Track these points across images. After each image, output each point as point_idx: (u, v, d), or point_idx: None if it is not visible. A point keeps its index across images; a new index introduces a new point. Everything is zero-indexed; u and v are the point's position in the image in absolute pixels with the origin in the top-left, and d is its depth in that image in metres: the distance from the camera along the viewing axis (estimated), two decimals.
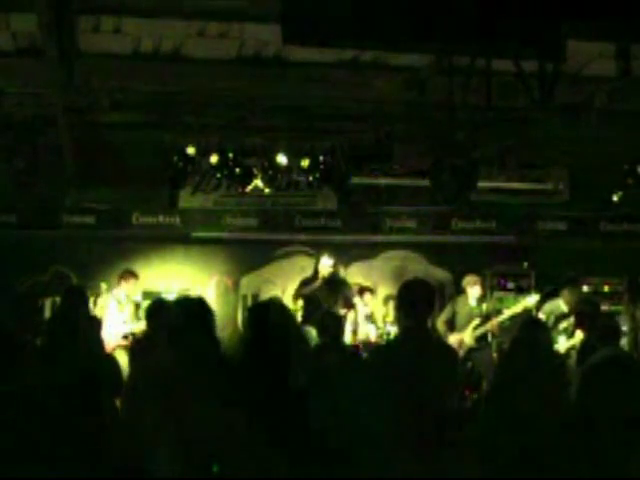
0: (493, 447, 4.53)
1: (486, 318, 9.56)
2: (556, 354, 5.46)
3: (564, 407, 4.63)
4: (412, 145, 10.05)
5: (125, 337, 9.47)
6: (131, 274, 9.74)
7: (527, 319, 8.31)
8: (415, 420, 4.30)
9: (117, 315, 9.55)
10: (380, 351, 5.44)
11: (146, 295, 10.46)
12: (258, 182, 9.53)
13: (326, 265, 9.32)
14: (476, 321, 9.47)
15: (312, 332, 7.30)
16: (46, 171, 8.51)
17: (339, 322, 6.58)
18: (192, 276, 11.56)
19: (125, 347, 9.33)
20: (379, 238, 12.04)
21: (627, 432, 4.53)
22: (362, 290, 10.63)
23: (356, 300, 10.00)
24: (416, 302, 4.49)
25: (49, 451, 4.41)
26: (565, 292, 9.29)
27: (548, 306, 9.56)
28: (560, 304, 9.24)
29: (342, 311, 9.05)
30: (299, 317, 9.13)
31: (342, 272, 9.77)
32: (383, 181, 11.44)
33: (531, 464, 4.37)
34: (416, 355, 4.38)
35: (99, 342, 6.42)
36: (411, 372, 4.33)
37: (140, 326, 9.46)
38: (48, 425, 4.47)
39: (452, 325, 9.67)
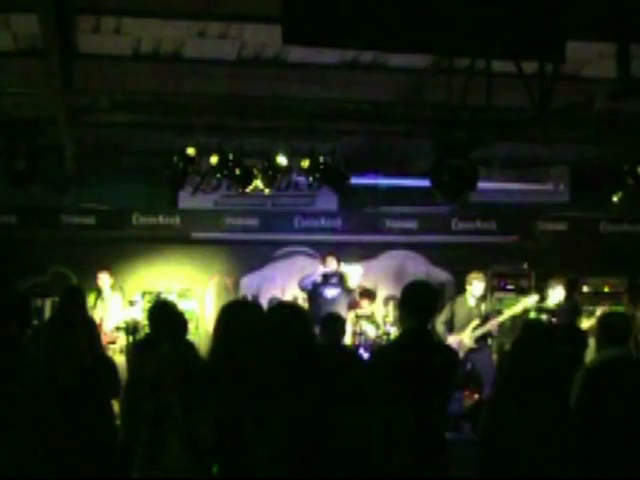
0: (495, 448, 4.53)
1: (485, 319, 9.56)
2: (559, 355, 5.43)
3: (567, 408, 4.63)
4: (412, 145, 10.04)
5: (117, 328, 9.54)
6: (100, 269, 9.91)
7: (528, 320, 8.34)
8: (415, 421, 4.30)
9: (105, 311, 9.65)
10: (381, 352, 5.44)
11: (146, 295, 10.51)
12: (258, 182, 9.52)
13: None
14: (475, 322, 9.46)
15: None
16: (46, 172, 8.49)
17: (341, 323, 6.58)
18: (192, 276, 11.57)
19: (115, 340, 9.45)
20: (379, 238, 12.04)
21: (629, 432, 4.54)
22: (361, 294, 10.61)
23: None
24: (418, 304, 4.50)
25: (49, 451, 4.41)
26: (552, 282, 9.42)
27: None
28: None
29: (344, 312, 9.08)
30: None
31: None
32: (383, 181, 11.44)
33: (533, 465, 4.37)
34: (416, 356, 4.39)
35: (98, 342, 6.42)
36: (411, 373, 4.33)
37: (129, 315, 9.57)
38: (48, 425, 4.46)
39: (451, 326, 9.67)
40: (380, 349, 6.92)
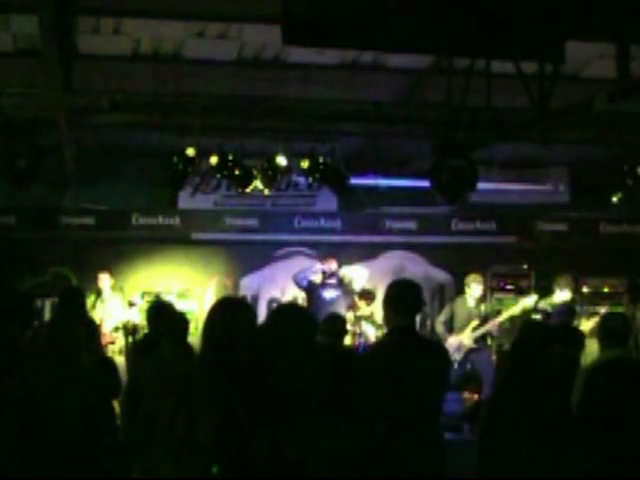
0: (494, 449, 4.53)
1: (485, 319, 9.56)
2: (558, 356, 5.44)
3: (565, 408, 4.63)
4: (412, 146, 10.04)
5: (116, 329, 9.54)
6: (101, 269, 9.88)
7: (528, 320, 8.34)
8: (406, 421, 4.31)
9: (105, 312, 9.64)
10: (370, 351, 5.42)
11: (146, 296, 10.49)
12: (258, 183, 9.51)
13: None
14: (475, 322, 9.46)
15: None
16: (46, 172, 8.49)
17: (341, 323, 6.57)
18: (192, 277, 11.56)
19: (114, 340, 9.44)
20: (379, 239, 12.04)
21: (630, 432, 4.54)
22: (360, 297, 10.59)
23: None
24: (404, 302, 4.50)
25: (49, 451, 4.41)
26: (560, 281, 9.45)
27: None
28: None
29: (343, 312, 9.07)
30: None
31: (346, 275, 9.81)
32: (383, 182, 11.44)
33: (532, 465, 4.38)
34: (406, 353, 4.39)
35: (98, 343, 6.43)
36: (400, 370, 4.33)
37: (128, 316, 9.56)
38: (48, 425, 4.46)
39: (450, 326, 9.67)
40: (368, 350, 6.92)
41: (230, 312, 3.67)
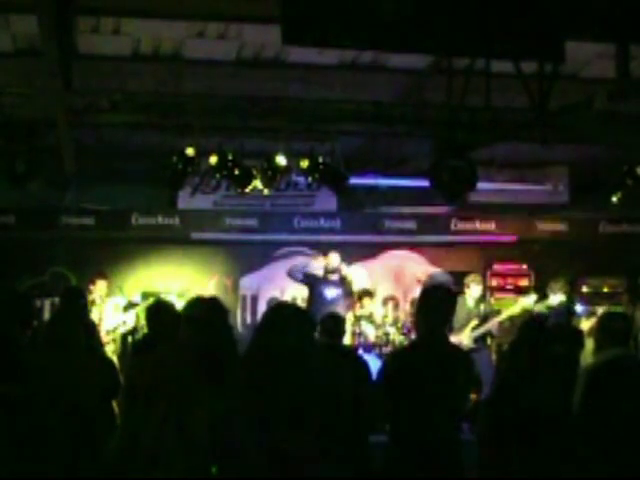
0: (493, 448, 4.54)
1: (484, 319, 9.57)
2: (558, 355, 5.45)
3: (565, 408, 4.63)
4: (412, 145, 10.04)
5: (107, 332, 9.52)
6: (98, 275, 9.82)
7: (527, 320, 8.34)
8: (430, 424, 4.34)
9: (101, 314, 9.61)
10: (397, 356, 5.43)
11: (145, 296, 10.49)
12: (257, 183, 9.51)
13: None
14: (474, 322, 9.47)
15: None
16: (45, 172, 8.49)
17: (341, 323, 6.57)
18: (191, 277, 11.57)
19: (108, 342, 9.43)
20: (378, 239, 12.05)
21: (632, 432, 4.54)
22: (360, 295, 10.60)
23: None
24: (435, 308, 4.52)
25: (49, 451, 4.41)
26: (553, 285, 9.45)
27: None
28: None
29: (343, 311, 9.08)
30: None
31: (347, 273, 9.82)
32: (382, 182, 11.44)
33: (531, 465, 4.38)
34: (434, 360, 4.42)
35: (97, 343, 6.43)
36: (428, 376, 4.36)
37: (122, 319, 9.54)
38: (48, 425, 4.47)
39: (450, 326, 9.66)
40: (394, 352, 6.96)
41: (206, 312, 3.68)
